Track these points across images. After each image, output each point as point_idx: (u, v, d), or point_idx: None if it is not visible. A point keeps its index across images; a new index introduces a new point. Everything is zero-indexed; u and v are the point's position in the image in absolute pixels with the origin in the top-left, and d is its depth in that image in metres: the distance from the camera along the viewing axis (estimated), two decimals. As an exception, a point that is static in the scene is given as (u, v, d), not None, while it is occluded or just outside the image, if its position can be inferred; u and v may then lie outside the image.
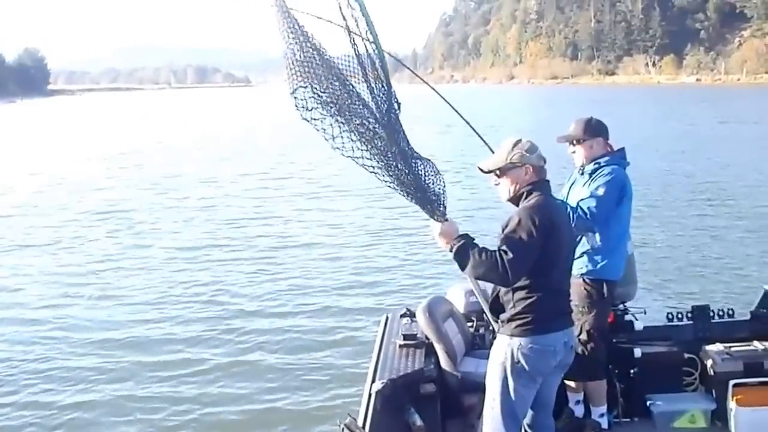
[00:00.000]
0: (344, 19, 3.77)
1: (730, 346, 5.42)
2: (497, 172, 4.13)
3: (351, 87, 3.85)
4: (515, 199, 4.08)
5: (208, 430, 7.21)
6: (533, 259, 3.84)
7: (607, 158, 5.13)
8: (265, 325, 9.89)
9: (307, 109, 3.72)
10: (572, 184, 5.29)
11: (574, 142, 5.22)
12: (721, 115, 49.68)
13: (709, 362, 5.41)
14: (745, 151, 28.77)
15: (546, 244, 3.86)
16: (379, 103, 3.94)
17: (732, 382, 5.13)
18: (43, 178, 25.42)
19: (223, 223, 16.71)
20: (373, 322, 8.12)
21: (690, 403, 5.41)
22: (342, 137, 3.80)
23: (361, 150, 3.87)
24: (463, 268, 3.97)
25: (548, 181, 4.12)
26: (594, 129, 5.20)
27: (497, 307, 4.10)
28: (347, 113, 3.81)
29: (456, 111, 4.92)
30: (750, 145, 31.28)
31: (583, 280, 5.03)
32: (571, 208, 4.92)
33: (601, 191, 4.95)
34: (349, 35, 3.81)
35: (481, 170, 4.23)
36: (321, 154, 28.61)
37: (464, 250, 3.92)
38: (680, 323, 5.75)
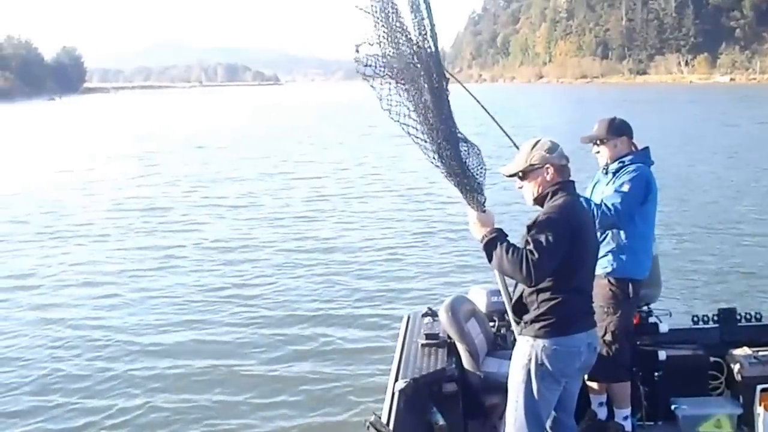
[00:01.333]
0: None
1: (758, 350, 5.36)
2: (519, 174, 4.08)
3: (410, 56, 3.79)
4: (540, 201, 4.02)
5: (228, 424, 7.20)
6: (558, 261, 3.78)
7: (631, 157, 5.11)
8: (288, 323, 9.90)
9: (364, 65, 3.67)
10: (596, 183, 5.27)
11: (598, 141, 5.20)
12: (756, 115, 49.16)
13: (735, 366, 5.34)
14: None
15: (572, 245, 3.80)
16: (433, 79, 3.88)
17: (759, 387, 5.06)
18: (84, 174, 25.86)
19: (251, 222, 16.77)
20: (395, 321, 8.05)
21: (716, 407, 5.34)
22: (395, 101, 3.76)
23: (413, 120, 3.81)
24: (490, 260, 3.93)
25: (573, 181, 4.06)
26: (617, 128, 5.18)
27: (520, 308, 4.03)
28: (407, 79, 3.78)
29: (488, 112, 4.89)
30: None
31: (608, 280, 4.99)
32: (595, 205, 4.91)
33: (626, 187, 4.94)
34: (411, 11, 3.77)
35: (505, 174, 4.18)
36: (350, 154, 28.81)
37: (494, 243, 3.88)
38: (706, 326, 5.69)
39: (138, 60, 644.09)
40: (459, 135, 3.98)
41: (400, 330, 5.84)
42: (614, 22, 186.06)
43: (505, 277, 4.14)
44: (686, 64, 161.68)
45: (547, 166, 3.99)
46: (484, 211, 4.04)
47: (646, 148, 5.26)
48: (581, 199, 4.36)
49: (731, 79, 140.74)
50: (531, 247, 3.75)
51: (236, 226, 16.29)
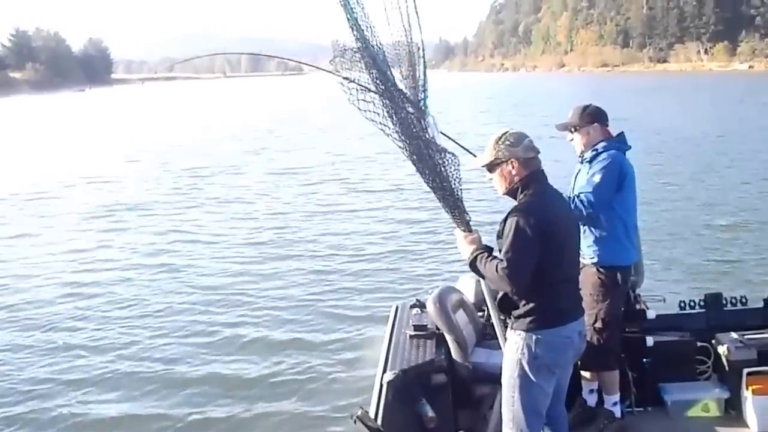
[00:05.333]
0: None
1: (744, 335, 5.40)
2: (487, 168, 4.08)
3: (391, 74, 3.86)
4: (511, 193, 4.01)
5: (216, 421, 7.17)
6: (533, 263, 3.77)
7: (604, 144, 5.08)
8: (274, 315, 9.91)
9: (350, 81, 3.70)
10: (577, 173, 5.23)
11: (572, 129, 5.19)
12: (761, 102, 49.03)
13: (722, 351, 5.38)
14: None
15: (547, 242, 3.78)
16: (419, 91, 3.98)
17: (746, 371, 5.13)
18: (127, 165, 26.48)
19: (240, 214, 16.89)
20: (383, 313, 7.94)
21: (703, 392, 5.41)
22: (384, 116, 3.80)
23: (398, 133, 3.87)
24: (482, 278, 4.04)
25: (543, 170, 4.03)
26: (590, 115, 5.15)
27: (508, 304, 4.00)
28: (392, 97, 3.81)
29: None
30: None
31: (596, 268, 5.00)
32: (571, 198, 4.91)
33: (597, 178, 4.92)
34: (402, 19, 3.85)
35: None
36: (348, 146, 28.85)
37: (476, 261, 3.95)
38: (693, 311, 5.72)
39: (162, 51, 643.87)
40: (433, 147, 3.98)
41: (388, 321, 5.85)
42: (635, 11, 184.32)
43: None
44: (706, 52, 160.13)
45: (512, 159, 3.95)
46: (471, 231, 4.09)
47: (621, 134, 5.23)
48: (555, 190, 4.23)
49: (750, 67, 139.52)
50: (502, 257, 3.80)
51: (224, 221, 16.26)
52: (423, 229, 14.57)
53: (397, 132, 3.87)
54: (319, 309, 10.09)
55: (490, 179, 4.13)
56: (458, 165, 4.04)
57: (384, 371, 4.86)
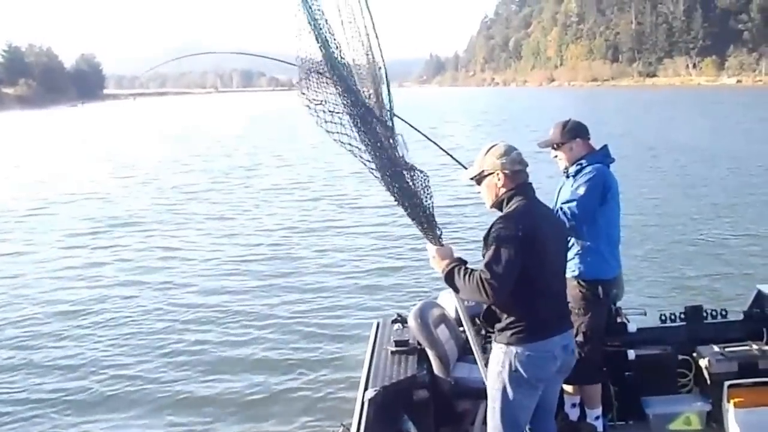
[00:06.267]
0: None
1: (725, 347, 5.39)
2: (475, 180, 4.10)
3: (358, 94, 3.82)
4: (498, 206, 4.01)
5: None
6: (516, 273, 3.73)
7: (588, 158, 5.11)
8: (255, 332, 9.81)
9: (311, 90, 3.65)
10: (561, 187, 5.25)
11: (555, 146, 5.21)
12: (745, 117, 49.55)
13: (703, 363, 5.37)
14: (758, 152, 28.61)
15: (529, 253, 3.74)
16: (383, 110, 3.96)
17: (727, 383, 5.14)
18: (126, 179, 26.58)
19: (226, 231, 16.84)
20: (364, 329, 7.82)
21: (685, 405, 5.42)
22: (353, 138, 3.75)
23: (367, 153, 3.82)
24: (456, 291, 3.97)
25: (530, 183, 4.03)
26: (571, 131, 5.18)
27: (491, 317, 3.98)
28: (360, 115, 3.76)
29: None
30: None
31: (578, 282, 5.00)
32: (554, 210, 4.88)
33: (581, 190, 4.94)
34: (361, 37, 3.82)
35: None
36: (336, 165, 28.77)
37: (452, 274, 3.90)
38: (673, 324, 5.72)
39: (153, 66, 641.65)
40: (403, 163, 3.96)
41: (370, 337, 5.80)
42: (624, 26, 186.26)
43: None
44: (694, 66, 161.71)
45: (498, 172, 3.97)
46: (442, 245, 4.07)
47: (604, 147, 5.26)
48: (541, 203, 4.19)
49: (738, 81, 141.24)
50: (485, 267, 3.74)
51: (210, 238, 16.14)
52: (404, 245, 14.46)
53: (365, 152, 3.82)
54: (299, 325, 10.00)
55: (479, 192, 4.15)
56: (428, 181, 4.01)
57: (365, 388, 4.82)
